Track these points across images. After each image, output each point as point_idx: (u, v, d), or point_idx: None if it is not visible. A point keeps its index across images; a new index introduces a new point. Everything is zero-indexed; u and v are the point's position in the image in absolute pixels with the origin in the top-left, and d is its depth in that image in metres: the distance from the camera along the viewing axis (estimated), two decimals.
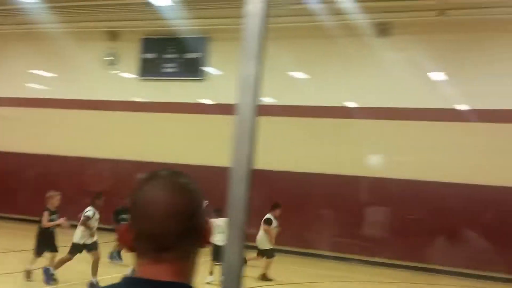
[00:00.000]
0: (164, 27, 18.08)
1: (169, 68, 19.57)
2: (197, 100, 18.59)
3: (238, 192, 1.76)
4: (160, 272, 1.48)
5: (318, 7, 15.85)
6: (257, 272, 12.70)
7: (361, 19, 15.96)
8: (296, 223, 16.17)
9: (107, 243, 12.90)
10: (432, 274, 14.95)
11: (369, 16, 15.97)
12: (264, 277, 12.90)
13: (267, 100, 17.87)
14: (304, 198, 17.06)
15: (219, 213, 11.83)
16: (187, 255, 1.54)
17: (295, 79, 18.11)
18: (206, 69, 19.07)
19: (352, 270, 15.01)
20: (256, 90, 1.81)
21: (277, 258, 13.20)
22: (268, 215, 13.18)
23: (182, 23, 17.09)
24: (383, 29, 16.69)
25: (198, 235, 1.56)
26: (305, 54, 17.75)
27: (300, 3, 15.84)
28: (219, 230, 11.74)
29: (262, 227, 13.14)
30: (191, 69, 19.29)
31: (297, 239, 16.71)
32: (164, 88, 19.67)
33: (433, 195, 15.83)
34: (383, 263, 15.87)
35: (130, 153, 18.34)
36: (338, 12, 15.58)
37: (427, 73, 16.48)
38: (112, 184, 17.10)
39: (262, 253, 13.14)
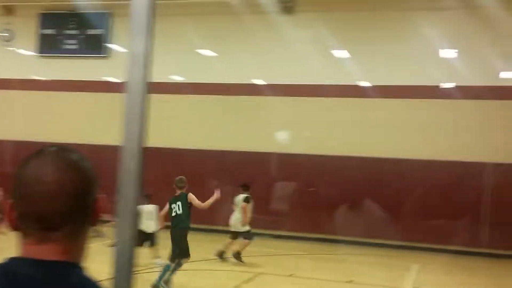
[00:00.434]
0: (64, 1, 17.40)
1: (70, 44, 18.88)
2: (101, 78, 18.04)
3: (129, 169, 1.76)
4: (45, 251, 1.41)
5: None
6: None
7: None
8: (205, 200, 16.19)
9: None
10: (333, 244, 15.48)
11: None
12: (238, 256, 12.53)
13: (175, 78, 17.73)
14: (213, 175, 17.06)
15: (148, 199, 11.56)
16: (75, 235, 1.46)
17: (203, 57, 17.98)
18: (110, 45, 18.52)
19: (258, 244, 15.28)
20: (146, 67, 1.80)
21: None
22: (245, 194, 12.94)
23: None
24: (287, 7, 16.88)
25: (88, 214, 1.48)
26: (212, 32, 17.68)
27: None
28: (148, 216, 11.57)
29: (241, 205, 12.80)
30: (94, 46, 18.71)
31: (207, 217, 16.74)
32: (66, 65, 18.96)
33: (335, 168, 16.33)
34: (288, 236, 16.26)
35: (31, 133, 17.56)
36: None
37: (331, 51, 16.84)
38: (10, 167, 16.38)
39: (238, 235, 12.84)
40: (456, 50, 16.25)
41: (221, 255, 12.59)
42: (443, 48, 16.25)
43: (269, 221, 16.40)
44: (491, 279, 12.82)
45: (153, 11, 1.82)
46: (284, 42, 16.89)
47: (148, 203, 11.57)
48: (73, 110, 18.25)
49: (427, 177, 15.82)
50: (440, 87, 16.26)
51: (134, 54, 1.82)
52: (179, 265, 10.04)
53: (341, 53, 16.84)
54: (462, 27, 15.82)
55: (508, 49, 15.49)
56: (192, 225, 10.54)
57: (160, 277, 9.93)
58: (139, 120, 1.77)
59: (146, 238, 11.33)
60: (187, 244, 10.14)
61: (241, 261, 12.42)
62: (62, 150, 1.50)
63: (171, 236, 10.38)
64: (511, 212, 15.19)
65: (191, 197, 10.32)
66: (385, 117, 16.31)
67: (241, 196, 12.90)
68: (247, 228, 12.73)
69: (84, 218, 1.48)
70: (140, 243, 11.15)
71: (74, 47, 18.90)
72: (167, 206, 10.69)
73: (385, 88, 16.29)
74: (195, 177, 17.30)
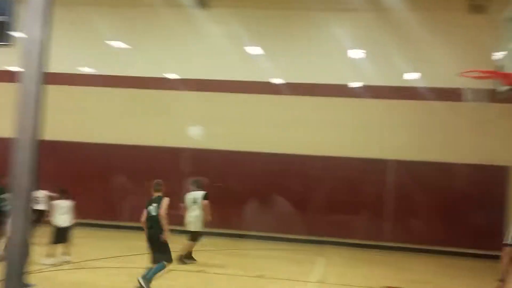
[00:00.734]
0: None
1: None
2: (5, 67, 17.26)
3: (22, 161, 1.71)
4: None
5: None
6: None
7: None
8: (107, 196, 16.14)
9: None
10: (243, 240, 15.76)
11: None
12: (189, 256, 12.27)
13: (86, 70, 17.30)
14: (124, 171, 16.85)
15: (63, 194, 11.30)
16: None
17: (115, 49, 17.66)
18: (15, 33, 17.71)
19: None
20: (42, 57, 1.76)
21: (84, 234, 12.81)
22: (199, 191, 12.40)
23: None
24: (202, 1, 16.88)
25: None
26: (125, 23, 17.50)
27: None
28: (61, 211, 11.23)
29: (202, 203, 12.12)
30: None
31: (111, 212, 16.57)
32: None
33: (246, 164, 16.55)
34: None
35: None
36: None
37: (244, 47, 16.97)
38: None
39: (199, 235, 12.32)
40: (364, 51, 16.65)
41: (188, 257, 12.28)
42: (351, 48, 16.64)
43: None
44: (393, 270, 13.44)
45: None
46: (199, 36, 17.04)
47: (63, 198, 11.28)
48: None
49: (333, 173, 16.29)
50: (348, 86, 16.70)
51: (30, 42, 1.78)
52: (163, 267, 9.89)
53: (255, 50, 17.03)
54: (370, 29, 16.42)
55: (412, 52, 16.15)
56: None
57: (151, 273, 9.69)
58: (33, 111, 1.72)
59: (60, 234, 11.03)
60: (168, 247, 9.95)
61: (194, 260, 12.35)
62: None
63: (148, 237, 10.15)
64: (410, 206, 15.98)
65: (164, 202, 9.98)
66: (295, 114, 16.68)
67: (198, 194, 12.26)
68: (198, 228, 12.27)
69: None
70: (55, 239, 11.05)
71: None
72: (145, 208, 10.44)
73: (296, 85, 16.65)
74: (104, 172, 17.11)
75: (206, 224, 12.33)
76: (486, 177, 16.22)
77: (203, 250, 14.22)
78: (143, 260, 11.61)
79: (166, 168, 16.77)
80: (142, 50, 17.40)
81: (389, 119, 16.37)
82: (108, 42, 17.47)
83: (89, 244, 13.30)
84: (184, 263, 11.91)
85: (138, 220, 15.03)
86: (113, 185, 16.67)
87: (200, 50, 17.04)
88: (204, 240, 12.73)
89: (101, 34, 17.05)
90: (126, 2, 17.21)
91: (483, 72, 10.79)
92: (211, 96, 17.00)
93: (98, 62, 17.43)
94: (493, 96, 10.98)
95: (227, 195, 15.83)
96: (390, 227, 16.07)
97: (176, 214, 11.92)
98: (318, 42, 16.81)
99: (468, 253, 15.96)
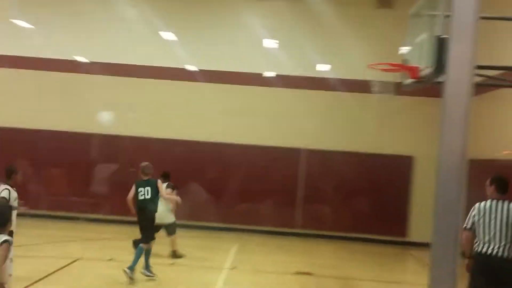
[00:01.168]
0: None
1: None
2: None
3: None
4: None
5: None
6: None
7: None
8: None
9: None
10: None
11: None
12: (175, 254, 12.20)
13: None
14: (34, 156, 16.33)
15: None
16: None
17: (18, 28, 16.92)
18: None
19: (78, 229, 14.88)
20: None
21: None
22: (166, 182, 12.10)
23: None
24: None
25: None
26: (35, 2, 16.91)
27: None
28: None
29: (164, 193, 11.33)
30: None
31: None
32: None
33: (158, 151, 16.39)
34: (110, 219, 16.07)
35: None
36: None
37: (158, 32, 16.89)
38: None
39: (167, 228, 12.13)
40: (278, 41, 16.91)
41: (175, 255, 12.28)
42: (265, 37, 16.88)
43: (90, 204, 16.13)
44: (304, 256, 13.87)
45: None
46: (111, 19, 16.82)
47: None
48: None
49: (246, 161, 16.55)
50: (262, 75, 16.97)
51: None
52: (150, 248, 10.45)
53: (169, 35, 16.95)
54: (283, 19, 16.78)
55: (324, 43, 16.60)
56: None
57: (135, 263, 10.05)
58: None
59: None
60: (154, 227, 10.70)
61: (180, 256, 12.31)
62: None
63: (139, 219, 10.61)
64: (321, 195, 16.49)
65: (160, 184, 10.79)
66: (209, 101, 16.76)
67: (164, 185, 11.72)
68: (172, 219, 12.27)
69: None
70: None
71: None
72: (133, 189, 10.68)
73: (210, 72, 16.74)
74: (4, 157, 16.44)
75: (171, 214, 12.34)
76: (392, 166, 16.81)
77: (116, 239, 14.10)
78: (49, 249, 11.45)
79: (72, 154, 16.51)
80: (51, 31, 16.87)
81: (301, 109, 16.68)
82: (11, 20, 16.72)
83: None
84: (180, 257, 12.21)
85: (46, 207, 14.73)
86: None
87: (112, 33, 16.85)
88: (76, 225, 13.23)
89: (7, 13, 16.43)
90: None
91: (390, 65, 11.12)
92: (122, 80, 16.77)
93: (4, 42, 16.72)
94: (399, 89, 11.42)
95: None
96: (302, 214, 16.57)
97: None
98: (233, 30, 17.04)
99: (376, 239, 16.52)
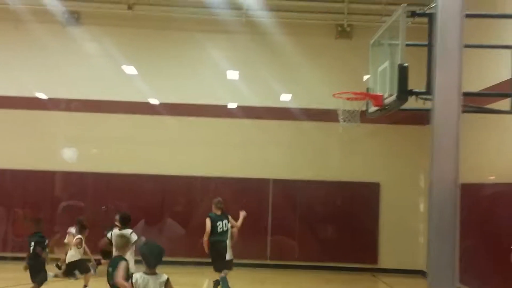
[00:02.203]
0: None
1: None
2: None
3: None
4: None
5: None
6: None
7: (50, 6, 15.83)
8: None
9: None
10: None
11: (59, 3, 15.92)
12: None
13: None
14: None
15: None
16: None
17: None
18: None
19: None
20: None
21: None
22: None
23: None
24: (74, 18, 16.63)
25: None
26: None
27: None
28: None
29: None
30: None
31: None
32: None
33: (126, 186, 16.50)
34: None
35: None
36: None
37: (120, 66, 16.99)
38: None
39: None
40: (240, 73, 17.19)
41: None
42: (228, 70, 17.11)
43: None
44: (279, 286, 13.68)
45: None
46: (72, 54, 16.79)
47: None
48: None
49: (213, 193, 16.17)
50: (227, 107, 17.12)
51: None
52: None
53: (130, 69, 17.08)
54: (246, 51, 16.98)
55: (286, 74, 16.86)
56: None
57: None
58: None
59: None
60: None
61: None
62: None
63: (215, 249, 11.87)
64: (291, 225, 16.56)
65: (231, 218, 12.52)
66: (174, 134, 16.80)
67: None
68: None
69: None
70: None
71: None
72: (209, 224, 11.98)
73: (174, 106, 16.82)
74: None
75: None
76: (359, 194, 16.93)
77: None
78: None
79: (38, 193, 16.29)
80: (12, 69, 16.75)
81: (265, 139, 16.74)
82: None
83: None
84: None
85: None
86: None
87: (73, 68, 16.73)
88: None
89: None
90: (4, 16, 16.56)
91: (354, 93, 11.30)
92: (84, 116, 16.70)
93: None
94: (364, 117, 11.59)
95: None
96: (272, 245, 16.59)
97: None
98: (196, 63, 17.01)
99: (348, 267, 16.59)
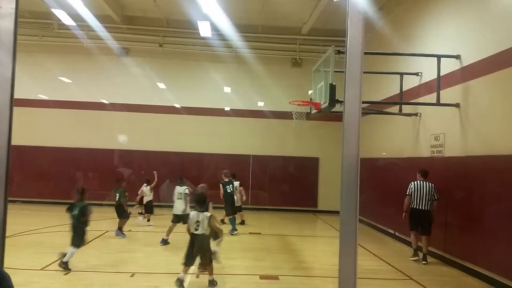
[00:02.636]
0: None
1: None
2: None
3: None
4: None
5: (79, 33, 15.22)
6: None
7: (110, 43, 15.80)
8: None
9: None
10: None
11: (115, 42, 15.91)
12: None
13: None
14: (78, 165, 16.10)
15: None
16: None
17: (63, 82, 16.70)
18: None
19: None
20: None
21: None
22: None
23: None
24: (125, 52, 16.67)
25: None
26: (71, 65, 16.62)
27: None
28: None
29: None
30: None
31: None
32: None
33: (160, 160, 16.28)
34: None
35: None
36: (94, 37, 15.22)
37: (155, 82, 16.92)
38: None
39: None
40: (232, 87, 16.95)
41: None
42: (224, 85, 16.93)
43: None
44: (253, 222, 13.56)
45: None
46: (124, 75, 16.64)
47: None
48: None
49: (215, 164, 16.14)
50: (222, 109, 16.90)
51: None
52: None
53: (161, 85, 16.98)
54: (235, 74, 16.72)
55: (260, 89, 16.65)
56: None
57: (234, 227, 11.24)
58: None
59: None
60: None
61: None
62: None
63: (226, 201, 11.38)
64: (259, 182, 16.56)
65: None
66: (189, 126, 16.66)
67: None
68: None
69: None
70: None
71: None
72: (221, 187, 11.58)
73: (189, 108, 16.72)
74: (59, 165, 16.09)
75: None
76: (306, 164, 16.82)
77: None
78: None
79: (104, 163, 16.27)
80: (84, 83, 16.58)
81: (247, 130, 16.77)
82: (61, 78, 16.63)
83: None
84: None
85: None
86: None
87: (124, 84, 16.65)
88: None
89: (54, 72, 16.27)
90: (74, 50, 16.44)
91: (302, 101, 11.34)
92: (131, 114, 16.58)
93: (51, 92, 16.49)
94: (308, 116, 11.64)
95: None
96: (252, 195, 16.27)
97: None
98: (203, 81, 16.75)
99: (297, 209, 16.50)
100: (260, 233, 11.99)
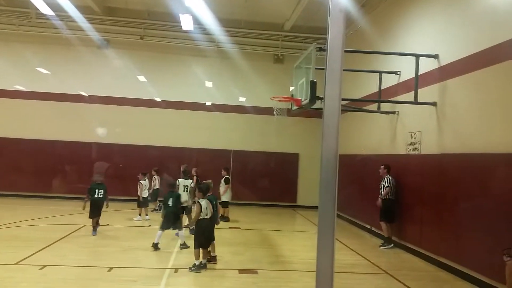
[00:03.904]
0: None
1: None
2: None
3: None
4: None
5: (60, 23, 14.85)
6: None
7: (90, 35, 15.53)
8: None
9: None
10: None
11: (97, 33, 15.66)
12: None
13: None
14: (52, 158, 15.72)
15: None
16: None
17: (42, 73, 16.31)
18: None
19: None
20: None
21: None
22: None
23: None
24: (106, 43, 16.41)
25: None
26: (49, 54, 16.18)
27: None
28: None
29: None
30: None
31: None
32: None
33: (138, 154, 16.16)
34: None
35: None
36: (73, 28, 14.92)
37: (135, 75, 16.78)
38: None
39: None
40: (214, 82, 16.84)
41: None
42: (206, 80, 16.86)
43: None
44: (233, 217, 13.47)
45: None
46: (104, 67, 16.46)
47: None
48: None
49: (196, 158, 16.10)
50: (204, 104, 16.88)
51: None
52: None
53: (141, 78, 16.83)
54: (217, 69, 16.70)
55: (243, 84, 16.71)
56: None
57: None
58: None
59: None
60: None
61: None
62: None
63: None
64: (242, 177, 16.56)
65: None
66: (170, 120, 16.61)
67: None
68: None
69: None
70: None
71: None
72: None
73: (170, 102, 16.65)
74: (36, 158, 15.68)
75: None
76: (286, 159, 16.88)
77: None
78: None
79: (83, 157, 15.97)
80: (63, 74, 16.28)
81: (228, 125, 16.74)
82: (39, 69, 16.22)
83: None
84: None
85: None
86: None
87: (104, 76, 16.45)
88: None
89: (34, 63, 15.84)
90: (52, 41, 16.05)
91: (283, 97, 11.33)
92: (109, 107, 16.40)
93: (32, 83, 16.09)
94: (289, 112, 11.70)
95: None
96: (233, 191, 16.51)
97: None
98: (186, 75, 16.63)
99: (277, 204, 16.61)
100: (239, 228, 12.01)
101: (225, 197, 13.01)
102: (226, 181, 13.03)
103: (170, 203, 8.73)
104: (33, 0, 12.89)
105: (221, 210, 12.67)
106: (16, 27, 15.55)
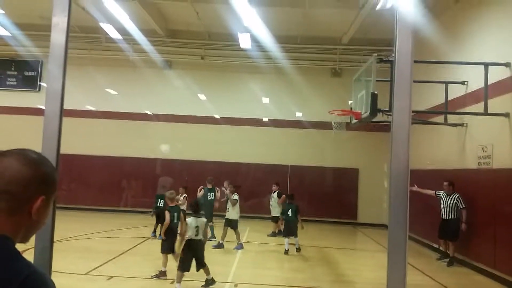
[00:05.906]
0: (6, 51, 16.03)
1: (11, 81, 17.34)
2: (35, 105, 16.60)
3: None
4: None
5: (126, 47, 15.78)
6: None
7: (154, 57, 16.27)
8: None
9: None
10: None
11: (159, 55, 16.39)
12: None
13: None
14: (121, 174, 16.55)
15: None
16: (4, 213, 1.12)
17: (110, 94, 17.33)
18: (43, 83, 17.34)
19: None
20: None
21: None
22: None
23: (21, 49, 15.43)
24: (168, 65, 17.12)
25: (24, 202, 1.14)
26: (120, 78, 17.17)
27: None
28: None
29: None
30: (29, 83, 17.33)
31: None
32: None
33: (199, 169, 16.47)
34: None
35: None
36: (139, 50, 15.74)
37: (196, 94, 17.26)
38: None
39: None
40: (270, 98, 17.07)
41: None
42: (263, 96, 17.07)
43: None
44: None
45: None
46: (167, 87, 17.08)
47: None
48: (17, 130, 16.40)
49: (253, 173, 16.32)
50: (261, 119, 17.01)
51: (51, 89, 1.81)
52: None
53: (202, 96, 17.31)
54: (274, 85, 16.87)
55: (299, 99, 16.70)
56: None
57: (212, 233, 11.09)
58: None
59: None
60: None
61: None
62: (23, 150, 1.20)
63: (205, 212, 10.54)
64: (303, 194, 16.45)
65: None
66: (229, 136, 16.85)
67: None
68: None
69: (19, 204, 1.14)
70: None
71: (13, 83, 17.37)
72: (202, 192, 11.39)
73: (228, 119, 16.91)
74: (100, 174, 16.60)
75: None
76: (346, 175, 16.61)
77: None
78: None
79: (147, 171, 16.58)
80: (129, 95, 17.23)
81: (285, 140, 16.67)
82: (108, 90, 17.33)
83: None
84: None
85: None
86: None
87: (167, 95, 17.12)
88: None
89: (101, 84, 16.97)
90: (120, 63, 17.06)
91: (342, 111, 11.27)
92: (173, 125, 16.97)
93: (100, 104, 17.17)
94: (348, 126, 11.49)
95: None
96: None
97: None
98: (242, 92, 16.93)
99: (337, 221, 16.29)
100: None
101: (275, 212, 12.79)
102: (279, 195, 12.83)
103: (289, 213, 10.49)
104: (103, 25, 13.84)
105: (272, 226, 12.70)
106: (88, 51, 16.72)
